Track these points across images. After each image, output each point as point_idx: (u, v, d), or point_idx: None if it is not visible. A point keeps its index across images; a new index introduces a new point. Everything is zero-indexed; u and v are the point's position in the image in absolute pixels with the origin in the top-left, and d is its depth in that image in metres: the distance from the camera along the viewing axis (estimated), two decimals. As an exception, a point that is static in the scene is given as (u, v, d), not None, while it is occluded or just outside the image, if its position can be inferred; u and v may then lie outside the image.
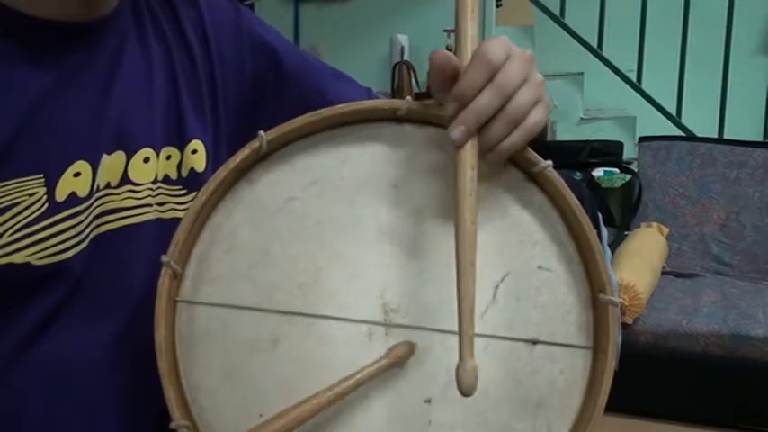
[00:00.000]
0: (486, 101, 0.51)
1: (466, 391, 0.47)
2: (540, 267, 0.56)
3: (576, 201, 0.54)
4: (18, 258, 0.55)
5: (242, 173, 0.57)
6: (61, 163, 0.57)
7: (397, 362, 0.53)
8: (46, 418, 0.59)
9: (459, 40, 0.53)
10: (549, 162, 0.55)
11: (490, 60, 0.51)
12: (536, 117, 0.53)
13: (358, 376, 0.52)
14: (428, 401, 0.54)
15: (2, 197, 0.54)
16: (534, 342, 0.55)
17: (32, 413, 0.58)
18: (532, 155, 0.55)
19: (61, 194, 0.57)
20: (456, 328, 0.50)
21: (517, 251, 0.56)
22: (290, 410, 0.50)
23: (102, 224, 0.60)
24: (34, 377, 0.58)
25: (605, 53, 3.01)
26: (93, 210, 0.59)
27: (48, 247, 0.56)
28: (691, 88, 2.97)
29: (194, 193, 0.65)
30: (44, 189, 0.56)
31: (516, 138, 0.52)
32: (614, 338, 0.53)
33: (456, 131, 0.51)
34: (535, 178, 0.56)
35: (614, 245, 2.33)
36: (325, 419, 0.53)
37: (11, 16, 0.56)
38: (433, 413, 0.54)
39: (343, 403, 0.53)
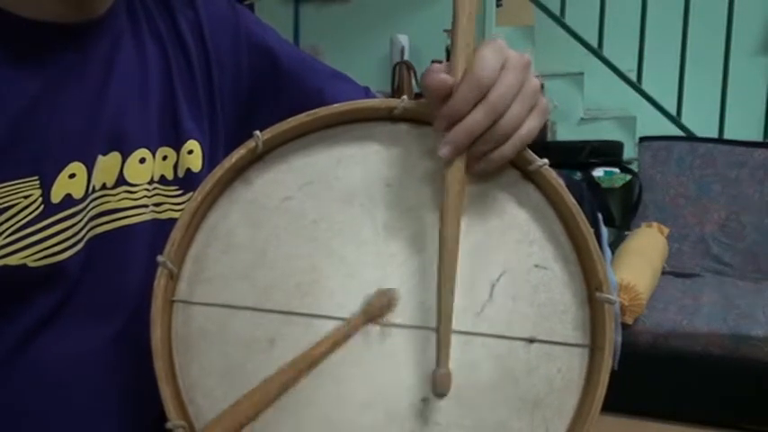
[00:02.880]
0: (476, 120, 0.51)
1: (439, 395, 0.52)
2: (536, 266, 0.56)
3: (573, 199, 0.54)
4: (14, 260, 0.55)
5: (238, 172, 0.57)
6: (56, 164, 0.57)
7: (375, 317, 0.54)
8: (44, 419, 0.59)
9: (453, 46, 0.53)
10: (545, 160, 0.55)
11: (481, 79, 0.50)
12: (529, 126, 0.53)
13: (333, 337, 0.53)
14: (424, 400, 0.54)
15: None
16: (531, 341, 0.55)
17: (30, 414, 0.58)
18: (529, 153, 0.55)
19: (56, 196, 0.57)
20: (452, 327, 0.51)
21: (514, 250, 0.56)
22: (270, 379, 0.50)
23: (98, 225, 0.60)
24: (31, 378, 0.58)
25: (605, 53, 3.01)
26: (89, 211, 0.59)
27: (44, 249, 0.56)
28: (691, 88, 2.97)
29: (190, 194, 0.65)
30: (39, 191, 0.56)
31: (507, 150, 0.53)
32: (611, 336, 0.53)
33: (445, 149, 0.51)
34: (531, 177, 0.56)
35: (614, 245, 2.33)
36: (322, 417, 0.53)
37: (4, 18, 0.56)
38: (430, 412, 0.54)
39: (339, 401, 0.53)
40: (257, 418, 0.51)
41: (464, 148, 0.52)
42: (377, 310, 0.54)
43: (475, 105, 0.51)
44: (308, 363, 0.51)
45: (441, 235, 0.52)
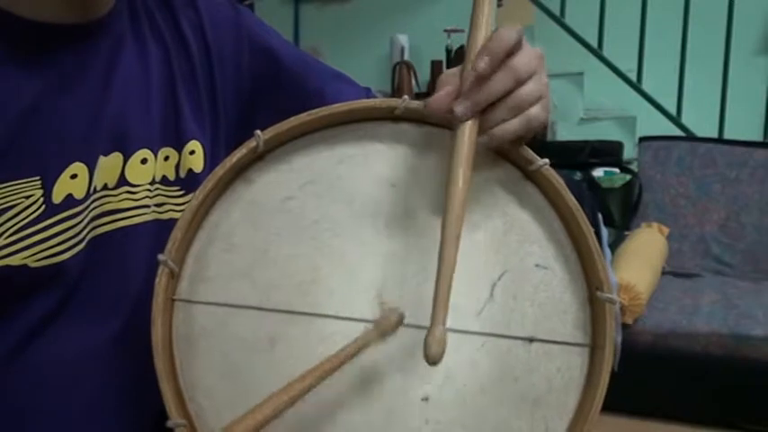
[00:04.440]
0: (499, 80, 0.50)
1: (431, 360, 0.45)
2: (537, 266, 0.56)
3: (574, 199, 0.54)
4: (15, 260, 0.55)
5: (239, 172, 0.57)
6: (58, 165, 0.57)
7: (385, 333, 0.52)
8: (45, 418, 0.59)
9: (474, 19, 0.53)
10: (546, 160, 0.55)
11: (507, 39, 0.50)
12: (537, 110, 0.53)
13: (348, 350, 0.51)
14: (425, 400, 0.54)
15: None
16: (531, 340, 0.55)
17: (32, 414, 0.58)
18: (529, 153, 0.55)
19: (58, 196, 0.57)
20: (453, 326, 0.51)
21: (514, 249, 0.56)
22: (281, 391, 0.48)
23: (100, 225, 0.60)
24: (33, 378, 0.58)
25: (605, 53, 3.01)
26: (91, 211, 0.59)
27: (45, 249, 0.56)
28: (691, 88, 2.96)
29: (192, 194, 0.65)
30: (41, 191, 0.56)
31: (514, 125, 0.52)
32: (611, 336, 0.53)
33: (461, 107, 0.51)
34: (532, 177, 0.57)
35: (614, 245, 2.32)
36: (323, 418, 0.53)
37: (6, 19, 0.56)
38: (430, 411, 0.54)
39: (340, 402, 0.53)
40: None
41: (480, 107, 0.51)
42: (389, 326, 0.53)
43: (498, 65, 0.50)
44: (320, 375, 0.50)
45: (447, 193, 0.50)
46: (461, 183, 0.50)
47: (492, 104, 0.51)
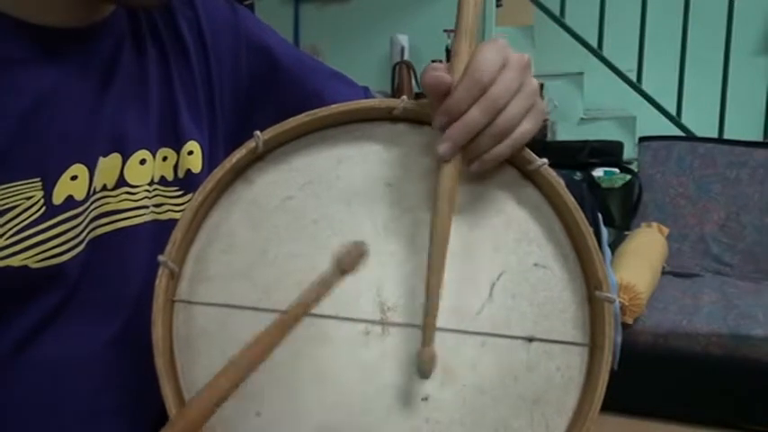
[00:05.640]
0: (474, 117, 0.51)
1: (423, 376, 0.52)
2: (536, 265, 0.56)
3: (572, 198, 0.55)
4: (15, 261, 0.55)
5: (239, 172, 0.57)
6: (59, 166, 0.57)
7: (347, 269, 0.53)
8: (45, 419, 0.59)
9: (455, 47, 0.53)
10: (545, 160, 0.55)
11: (480, 77, 0.50)
12: (525, 127, 0.53)
13: (310, 294, 0.52)
14: (425, 399, 0.54)
15: None
16: (531, 339, 0.55)
17: (31, 415, 0.58)
18: (528, 153, 0.55)
19: (58, 198, 0.57)
20: (453, 327, 0.52)
21: (513, 249, 0.56)
22: (241, 354, 0.50)
23: (99, 226, 0.60)
24: (32, 379, 0.58)
25: (605, 53, 3.02)
26: (90, 212, 0.59)
27: (45, 251, 0.56)
28: (691, 88, 2.97)
29: (191, 195, 0.65)
30: (41, 193, 0.56)
31: (502, 149, 0.53)
32: (611, 335, 0.53)
33: (443, 146, 0.52)
34: (531, 176, 0.57)
35: (614, 245, 2.33)
36: (322, 420, 0.53)
37: (7, 22, 0.56)
38: (431, 411, 0.54)
39: (339, 401, 0.53)
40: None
41: (462, 145, 0.52)
42: (349, 262, 0.53)
43: (473, 103, 0.51)
44: (285, 326, 0.51)
45: (433, 221, 0.52)
46: (444, 217, 0.52)
47: (477, 134, 0.52)
